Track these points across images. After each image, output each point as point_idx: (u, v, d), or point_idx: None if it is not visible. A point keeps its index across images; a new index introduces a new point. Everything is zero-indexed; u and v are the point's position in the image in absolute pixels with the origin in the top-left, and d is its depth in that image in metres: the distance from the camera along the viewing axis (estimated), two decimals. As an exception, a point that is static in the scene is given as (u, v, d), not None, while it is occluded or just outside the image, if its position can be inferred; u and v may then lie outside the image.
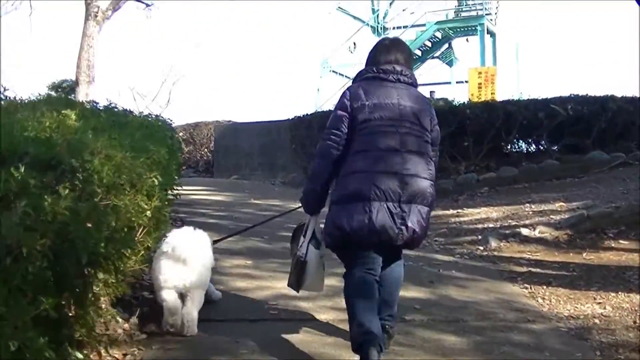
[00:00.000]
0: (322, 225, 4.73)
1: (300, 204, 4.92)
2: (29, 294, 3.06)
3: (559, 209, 9.92)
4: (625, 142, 15.08)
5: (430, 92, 26.77)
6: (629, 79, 54.49)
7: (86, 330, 3.90)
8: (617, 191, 10.77)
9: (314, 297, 5.79)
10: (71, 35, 62.31)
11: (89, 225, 3.53)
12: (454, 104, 16.28)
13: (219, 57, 64.12)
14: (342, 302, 4.97)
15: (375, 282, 4.50)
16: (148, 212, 5.01)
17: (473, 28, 27.75)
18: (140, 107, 33.01)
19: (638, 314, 5.65)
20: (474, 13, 28.05)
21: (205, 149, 23.67)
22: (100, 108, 8.54)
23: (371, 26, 30.96)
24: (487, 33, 27.52)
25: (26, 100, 7.81)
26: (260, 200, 11.35)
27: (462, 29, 28.40)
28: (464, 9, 28.38)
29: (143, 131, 6.98)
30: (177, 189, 7.83)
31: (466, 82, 25.67)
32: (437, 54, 30.53)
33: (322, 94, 28.08)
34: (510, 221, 9.65)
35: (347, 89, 4.74)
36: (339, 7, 30.67)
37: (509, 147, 15.78)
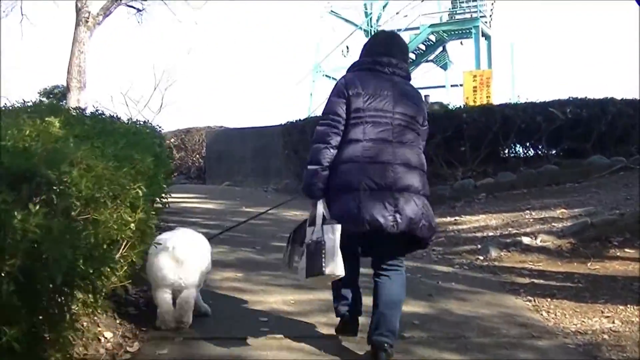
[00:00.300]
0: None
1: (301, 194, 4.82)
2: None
3: (561, 216, 9.64)
4: (626, 145, 14.77)
5: (425, 96, 26.51)
6: (628, 81, 54.27)
7: (62, 355, 3.63)
8: (619, 197, 10.49)
9: (307, 312, 5.61)
10: (62, 41, 62.09)
11: (63, 243, 3.25)
12: (450, 108, 16.06)
13: (211, 63, 63.87)
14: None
15: (355, 274, 4.84)
16: (132, 225, 4.76)
17: (467, 31, 27.50)
18: (132, 112, 33.12)
19: (649, 329, 5.37)
20: (468, 15, 27.83)
21: (197, 155, 23.41)
22: (87, 114, 8.28)
23: (364, 30, 30.73)
24: (482, 36, 27.28)
25: (10, 107, 7.56)
26: (252, 208, 11.00)
27: (457, 32, 28.16)
28: (458, 12, 28.15)
29: (130, 138, 6.71)
30: (166, 198, 7.63)
31: (461, 85, 25.54)
32: (432, 57, 30.32)
33: (315, 99, 27.84)
34: (510, 229, 9.36)
35: (343, 77, 4.80)
36: (331, 11, 30.46)
37: (506, 151, 15.50)
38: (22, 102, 8.02)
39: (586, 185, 12.43)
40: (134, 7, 20.15)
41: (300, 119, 18.25)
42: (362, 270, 4.96)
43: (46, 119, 5.94)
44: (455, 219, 10.74)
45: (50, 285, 3.30)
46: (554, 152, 15.16)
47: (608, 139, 14.76)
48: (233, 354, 4.65)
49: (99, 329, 4.78)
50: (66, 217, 3.73)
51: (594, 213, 9.32)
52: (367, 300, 4.97)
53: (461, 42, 29.43)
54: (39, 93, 26.74)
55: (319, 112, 21.72)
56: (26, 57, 56.36)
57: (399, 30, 28.73)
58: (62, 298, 3.58)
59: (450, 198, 12.98)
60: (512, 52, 28.07)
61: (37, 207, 3.16)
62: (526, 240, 8.34)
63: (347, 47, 27.95)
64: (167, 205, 7.63)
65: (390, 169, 4.45)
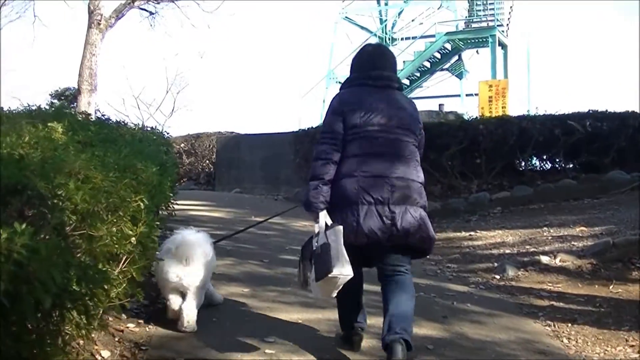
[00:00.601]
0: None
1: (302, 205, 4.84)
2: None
3: (580, 234, 9.30)
4: (646, 161, 14.38)
5: (439, 105, 26.34)
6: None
7: (53, 379, 3.36)
8: (641, 215, 10.11)
9: (315, 333, 5.35)
10: (74, 43, 62.14)
11: (52, 265, 2.97)
12: (466, 118, 15.77)
13: (223, 67, 63.63)
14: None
15: (359, 280, 4.86)
16: (133, 239, 4.52)
17: (484, 39, 27.18)
18: (144, 115, 33.11)
19: (678, 362, 5.05)
20: (484, 24, 27.53)
21: (207, 161, 23.15)
22: (93, 119, 8.05)
23: (379, 37, 30.49)
24: (499, 45, 26.97)
25: (12, 112, 7.33)
26: (262, 217, 10.77)
27: (473, 41, 27.82)
28: (474, 20, 27.86)
29: (135, 146, 6.47)
30: (172, 207, 7.45)
31: (476, 95, 25.22)
32: (447, 65, 30.02)
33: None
34: (527, 247, 9.02)
35: (338, 94, 4.92)
36: (345, 17, 30.26)
37: (523, 165, 15.20)
38: (27, 106, 7.80)
39: (605, 201, 12.07)
40: (147, 10, 20.02)
41: (312, 127, 17.91)
42: (368, 287, 5.07)
43: (49, 124, 5.72)
44: (470, 234, 10.42)
45: (39, 310, 3.02)
46: (571, 166, 14.82)
47: (628, 153, 14.40)
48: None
49: (96, 347, 4.52)
50: (58, 234, 3.46)
51: (615, 232, 8.97)
52: (373, 321, 5.17)
53: (477, 51, 29.18)
54: (50, 95, 26.72)
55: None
56: (38, 59, 56.42)
57: (414, 37, 28.62)
58: (52, 322, 3.31)
59: (464, 212, 12.70)
60: (528, 56, 27.74)
61: (24, 225, 2.88)
62: (545, 259, 8.01)
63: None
64: (173, 214, 7.42)
65: (387, 183, 4.55)
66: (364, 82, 4.82)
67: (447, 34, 27.41)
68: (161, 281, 5.25)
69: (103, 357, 4.48)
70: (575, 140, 14.11)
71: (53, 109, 8.32)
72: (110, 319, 4.70)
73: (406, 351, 4.43)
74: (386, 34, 30.54)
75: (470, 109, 24.96)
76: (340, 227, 4.48)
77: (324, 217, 4.62)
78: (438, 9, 28.07)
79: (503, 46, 27.80)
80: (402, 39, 30.00)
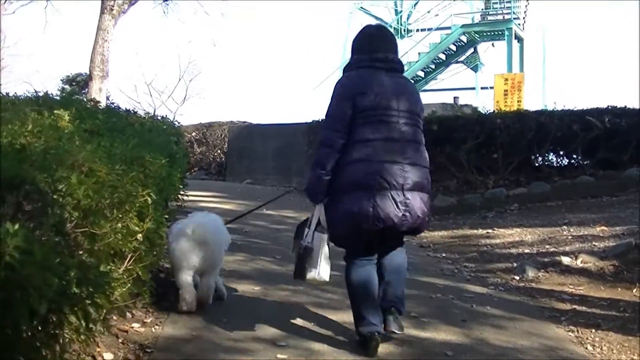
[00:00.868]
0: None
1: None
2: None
3: (601, 234, 9.00)
4: (666, 158, 14.04)
5: (454, 97, 26.09)
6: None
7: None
8: (662, 214, 9.82)
9: (330, 336, 5.09)
10: (87, 29, 61.98)
11: (47, 269, 2.73)
12: (483, 112, 15.49)
13: (237, 56, 63.43)
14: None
15: (374, 271, 4.81)
16: (139, 236, 4.31)
17: (500, 32, 26.90)
18: (156, 102, 32.98)
19: None
20: (500, 17, 27.21)
21: (219, 151, 22.88)
22: (101, 107, 7.83)
23: (394, 28, 30.18)
24: (515, 38, 26.64)
25: (17, 98, 7.12)
26: (274, 210, 10.50)
27: (489, 34, 27.54)
28: (490, 13, 27.54)
29: (144, 136, 6.26)
30: (182, 198, 7.26)
31: (491, 88, 24.98)
32: (462, 58, 29.70)
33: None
34: (547, 246, 8.72)
35: (345, 76, 4.85)
36: (360, 7, 29.99)
37: (540, 160, 14.92)
38: (34, 92, 7.57)
39: (624, 199, 11.74)
40: (160, -4, 19.89)
41: (326, 118, 17.49)
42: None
43: (55, 111, 5.52)
44: (487, 232, 10.12)
45: (34, 316, 2.79)
46: (588, 162, 14.51)
47: (647, 150, 14.08)
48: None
49: (98, 349, 4.30)
50: (58, 232, 3.23)
51: (637, 232, 8.68)
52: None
53: (492, 44, 28.85)
54: (61, 80, 26.62)
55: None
56: (51, 44, 56.29)
57: (430, 29, 28.32)
58: (49, 327, 3.07)
59: (480, 207, 12.37)
60: (544, 49, 27.24)
61: (17, 226, 2.64)
62: (566, 260, 7.72)
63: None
64: (182, 207, 7.22)
65: (401, 169, 4.57)
66: (371, 64, 4.76)
67: (463, 26, 27.13)
68: (177, 263, 5.31)
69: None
70: (594, 136, 13.85)
71: (63, 94, 8.11)
72: (114, 318, 4.45)
73: (398, 318, 4.84)
74: (401, 25, 30.24)
75: (485, 102, 24.69)
76: (326, 235, 4.74)
77: (319, 212, 4.78)
78: (454, 0, 27.69)
79: (519, 39, 27.51)
80: (417, 30, 29.70)
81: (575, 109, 14.43)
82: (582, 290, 6.93)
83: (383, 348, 4.80)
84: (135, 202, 4.27)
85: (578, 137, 13.90)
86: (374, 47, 4.82)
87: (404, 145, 4.65)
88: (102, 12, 17.28)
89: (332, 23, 61.94)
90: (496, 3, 27.32)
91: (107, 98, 19.52)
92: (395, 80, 4.79)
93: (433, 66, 28.59)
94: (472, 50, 29.39)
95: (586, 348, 5.30)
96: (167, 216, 5.81)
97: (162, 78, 57.44)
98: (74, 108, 6.03)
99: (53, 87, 28.05)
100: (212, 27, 56.69)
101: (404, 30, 30.11)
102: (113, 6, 17.31)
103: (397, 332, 4.81)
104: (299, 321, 5.43)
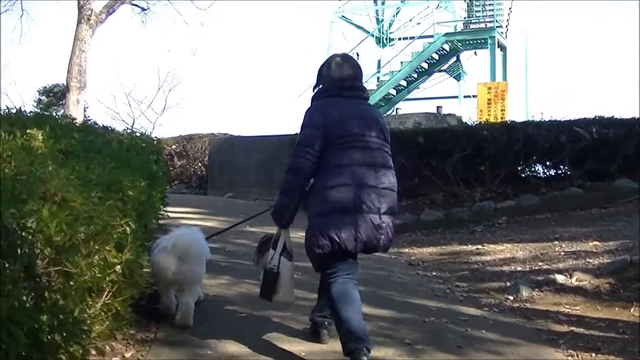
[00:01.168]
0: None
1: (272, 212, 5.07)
2: None
3: (594, 250, 8.80)
4: (654, 169, 13.87)
5: (438, 107, 25.94)
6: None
7: None
8: (655, 228, 9.61)
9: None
10: (64, 39, 61.62)
11: (13, 324, 2.45)
12: (470, 124, 15.30)
13: (217, 67, 63.02)
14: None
15: (356, 287, 4.85)
16: (117, 267, 4.02)
17: (483, 41, 26.71)
18: (135, 113, 32.66)
19: None
20: (483, 25, 27.06)
21: (199, 163, 22.47)
22: (77, 124, 7.54)
23: (375, 37, 30.03)
24: (498, 47, 26.51)
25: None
26: (257, 227, 10.20)
27: (471, 42, 27.34)
28: (473, 21, 27.38)
29: (122, 156, 5.96)
30: (163, 216, 7.22)
31: (474, 96, 24.89)
32: (445, 67, 29.46)
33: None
34: (540, 263, 8.49)
35: (315, 105, 4.96)
36: (342, 16, 29.77)
37: (527, 172, 14.75)
38: (6, 109, 7.27)
39: (614, 212, 11.58)
40: (139, 6, 19.74)
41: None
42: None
43: (28, 131, 5.23)
44: (477, 248, 9.90)
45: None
46: (576, 173, 14.32)
47: (634, 161, 13.83)
48: None
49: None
50: (27, 276, 2.94)
51: (631, 248, 8.48)
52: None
53: (475, 53, 28.70)
54: (38, 91, 26.32)
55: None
56: (27, 55, 55.80)
57: (412, 38, 28.14)
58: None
59: (469, 221, 12.19)
60: (526, 56, 26.98)
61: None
62: (560, 278, 7.50)
63: (358, 54, 27.00)
64: (163, 227, 6.95)
65: (378, 193, 4.69)
66: (339, 92, 4.93)
67: (446, 34, 26.91)
68: (159, 277, 5.40)
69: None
70: (582, 147, 13.65)
71: (40, 106, 7.81)
72: (92, 352, 4.16)
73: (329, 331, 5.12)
74: (383, 33, 30.06)
75: (468, 111, 24.54)
76: (292, 264, 5.01)
77: (285, 236, 5.00)
78: (436, 8, 27.52)
79: (502, 48, 27.37)
80: (399, 39, 29.50)
81: (563, 120, 14.25)
82: (578, 310, 6.72)
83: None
84: (113, 232, 3.98)
85: (565, 148, 13.69)
86: (341, 76, 4.98)
87: (378, 171, 4.75)
88: (79, 22, 17.12)
89: (313, 32, 61.54)
90: (479, 11, 27.15)
91: (85, 109, 19.26)
92: (362, 107, 4.97)
93: (415, 75, 28.32)
94: (454, 58, 29.18)
95: (588, 374, 5.09)
96: (147, 242, 5.61)
97: (141, 88, 57.05)
98: (48, 126, 5.72)
99: (30, 98, 27.73)
100: (191, 36, 56.20)
101: (386, 39, 29.93)
102: (90, 16, 17.15)
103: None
104: (288, 352, 5.16)
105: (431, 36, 27.28)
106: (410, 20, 29.34)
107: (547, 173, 15.01)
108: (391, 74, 27.36)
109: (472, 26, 27.34)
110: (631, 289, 7.06)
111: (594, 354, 5.50)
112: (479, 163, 13.99)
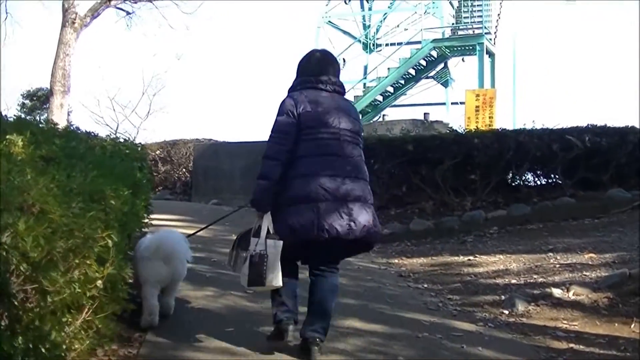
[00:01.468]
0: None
1: (251, 205, 5.08)
2: None
3: (590, 262, 8.59)
4: (647, 178, 13.70)
5: (425, 113, 25.74)
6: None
7: None
8: (649, 239, 9.41)
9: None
10: (49, 42, 61.08)
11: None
12: (460, 132, 15.11)
13: (202, 72, 62.72)
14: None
15: (296, 271, 5.15)
16: (99, 282, 3.77)
17: (471, 47, 26.52)
18: (119, 117, 32.39)
19: None
20: (471, 31, 26.88)
21: (184, 169, 22.14)
22: (59, 130, 7.27)
23: (362, 42, 29.86)
24: (486, 53, 26.34)
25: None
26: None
27: (459, 48, 27.14)
28: (460, 28, 27.21)
29: (105, 164, 5.72)
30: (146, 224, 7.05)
31: (462, 103, 24.78)
32: (432, 73, 29.30)
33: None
34: (535, 276, 8.25)
35: (289, 96, 5.10)
36: (329, 21, 29.56)
37: (517, 180, 14.56)
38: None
39: (607, 222, 11.41)
40: (124, 10, 19.51)
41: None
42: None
43: (8, 136, 4.98)
44: (469, 259, 9.67)
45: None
46: (568, 182, 14.14)
47: (627, 170, 13.76)
48: None
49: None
50: (1, 295, 2.70)
51: (628, 260, 8.29)
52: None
53: (462, 59, 28.56)
54: (22, 95, 26.04)
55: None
56: (11, 58, 55.30)
57: (400, 44, 27.95)
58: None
59: (459, 231, 11.98)
60: (514, 61, 26.77)
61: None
62: (557, 292, 7.28)
63: (344, 60, 26.82)
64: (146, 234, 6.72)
65: (344, 182, 4.86)
66: (315, 85, 5.08)
67: (434, 40, 26.67)
68: (142, 278, 5.43)
69: None
70: (574, 156, 13.48)
71: (25, 110, 7.56)
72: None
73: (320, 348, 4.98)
74: (370, 39, 29.89)
75: (456, 118, 24.34)
76: (281, 242, 4.83)
77: (267, 220, 4.90)
78: (424, 13, 27.30)
79: (491, 55, 27.21)
80: (386, 44, 29.35)
81: (555, 128, 14.05)
82: (576, 325, 6.51)
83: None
84: (94, 246, 3.73)
85: (558, 156, 13.53)
86: (319, 70, 5.15)
87: (344, 161, 4.94)
88: (63, 26, 16.96)
89: (300, 37, 61.19)
90: (467, 17, 26.98)
91: (69, 114, 19.00)
92: (337, 101, 5.12)
93: (403, 81, 28.11)
94: (442, 65, 29.03)
95: (590, 395, 4.87)
96: (130, 251, 5.45)
97: (125, 92, 56.55)
98: (28, 132, 5.47)
99: (13, 102, 27.44)
100: (176, 41, 55.70)
101: (373, 45, 29.80)
102: (75, 19, 16.98)
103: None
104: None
105: (419, 42, 27.04)
106: (398, 26, 29.25)
107: (539, 182, 14.85)
108: (378, 80, 27.13)
109: (460, 32, 27.15)
110: (630, 304, 6.87)
111: (595, 374, 5.30)
112: (469, 171, 13.85)
